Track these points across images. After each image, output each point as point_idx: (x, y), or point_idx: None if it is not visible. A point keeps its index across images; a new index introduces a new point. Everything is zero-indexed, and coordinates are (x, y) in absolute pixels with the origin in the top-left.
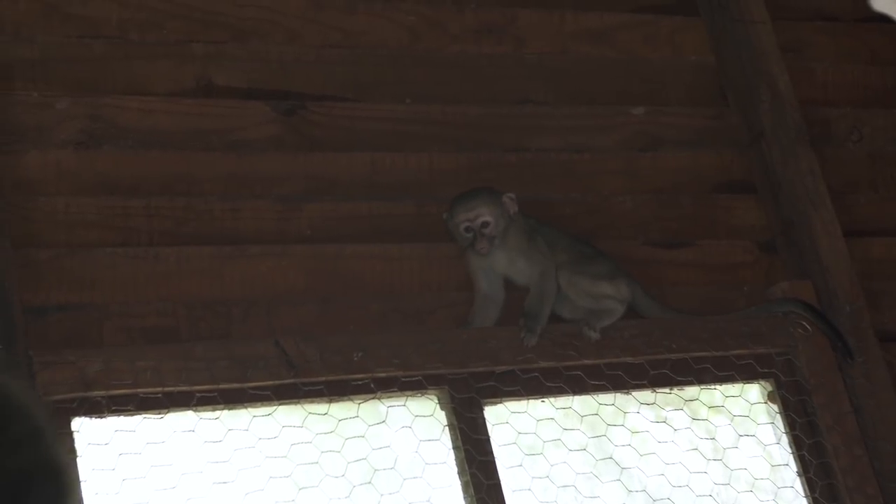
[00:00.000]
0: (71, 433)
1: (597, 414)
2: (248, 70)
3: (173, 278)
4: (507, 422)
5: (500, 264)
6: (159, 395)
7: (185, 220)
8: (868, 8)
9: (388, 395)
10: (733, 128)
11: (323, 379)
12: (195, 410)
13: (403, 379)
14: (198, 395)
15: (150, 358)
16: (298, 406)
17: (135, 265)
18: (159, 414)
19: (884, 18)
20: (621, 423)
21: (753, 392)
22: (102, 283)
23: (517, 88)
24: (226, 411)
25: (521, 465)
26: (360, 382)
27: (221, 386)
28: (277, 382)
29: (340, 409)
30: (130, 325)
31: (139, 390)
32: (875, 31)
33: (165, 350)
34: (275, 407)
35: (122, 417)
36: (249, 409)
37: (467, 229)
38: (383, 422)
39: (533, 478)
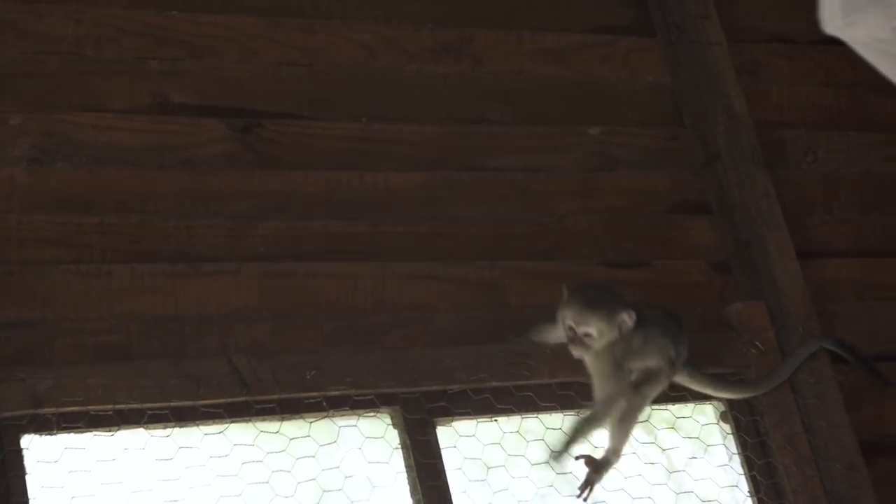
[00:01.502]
0: (20, 451)
1: (542, 439)
2: (204, 87)
3: (126, 295)
4: (458, 442)
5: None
6: (110, 413)
7: (139, 237)
8: (823, 30)
9: (341, 413)
10: (689, 148)
11: (275, 397)
12: (146, 428)
13: (356, 398)
14: (149, 412)
15: (101, 375)
16: (250, 424)
17: (87, 282)
18: (110, 431)
19: (838, 41)
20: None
21: (706, 412)
22: (55, 300)
23: (473, 108)
24: (177, 429)
25: (474, 484)
26: (312, 401)
27: (173, 403)
28: (229, 400)
29: (292, 428)
30: (82, 343)
31: (90, 408)
32: (830, 54)
33: (117, 368)
34: (226, 425)
35: (72, 435)
36: (201, 427)
37: (570, 329)
38: (335, 442)
39: (485, 499)
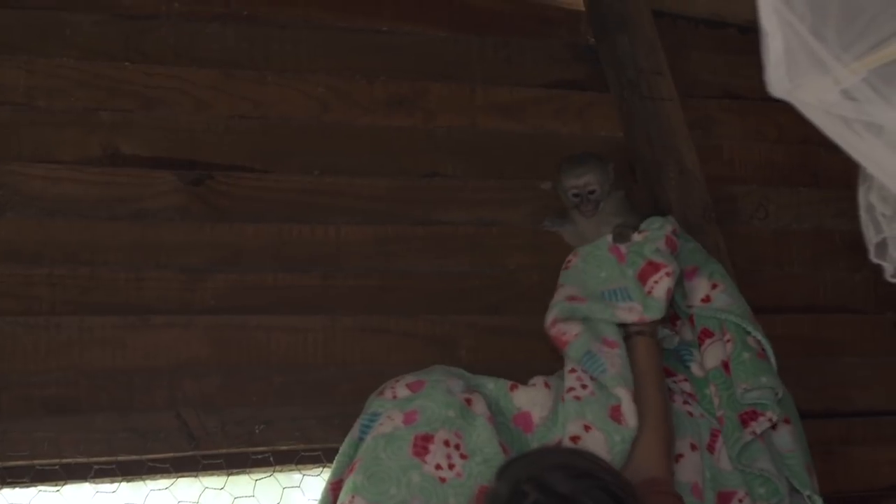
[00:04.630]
0: None
1: None
2: (156, 139)
3: (75, 348)
4: None
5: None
6: (56, 467)
7: (88, 289)
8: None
9: (287, 469)
10: (641, 203)
11: (223, 451)
12: (92, 482)
13: (304, 453)
14: (95, 466)
15: (48, 429)
16: (196, 479)
17: (36, 334)
18: (56, 486)
19: None
20: None
21: None
22: (2, 353)
23: (426, 161)
24: (123, 483)
25: None
26: (259, 456)
27: (120, 458)
28: (177, 455)
29: (238, 485)
30: (30, 395)
31: (36, 462)
32: (781, 111)
33: (64, 421)
34: (173, 480)
35: (17, 489)
36: (147, 482)
37: (575, 195)
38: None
39: None
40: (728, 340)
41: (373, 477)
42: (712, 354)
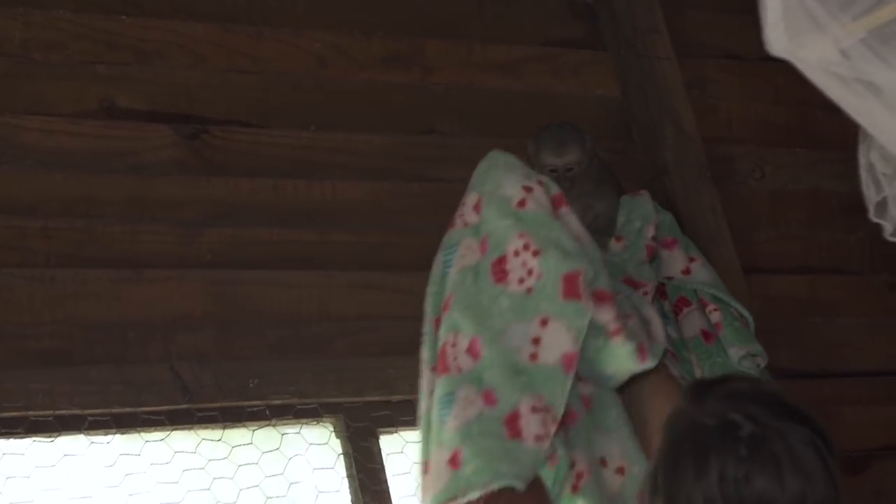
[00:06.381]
0: None
1: None
2: (152, 93)
3: (70, 300)
4: (402, 451)
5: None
6: (50, 419)
7: (84, 242)
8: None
9: (283, 422)
10: (637, 163)
11: (217, 405)
12: (87, 434)
13: (299, 406)
14: (90, 418)
15: (42, 380)
16: (192, 432)
17: (31, 286)
18: (50, 437)
19: None
20: None
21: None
22: None
23: (423, 118)
24: (118, 435)
25: (415, 495)
26: (255, 409)
27: (114, 410)
28: (171, 407)
29: (235, 435)
30: (25, 347)
31: (30, 413)
32: (779, 71)
33: (59, 373)
34: (168, 432)
35: (11, 440)
36: (142, 434)
37: (552, 171)
38: (277, 449)
39: None
40: (714, 309)
41: (467, 310)
42: (690, 323)
